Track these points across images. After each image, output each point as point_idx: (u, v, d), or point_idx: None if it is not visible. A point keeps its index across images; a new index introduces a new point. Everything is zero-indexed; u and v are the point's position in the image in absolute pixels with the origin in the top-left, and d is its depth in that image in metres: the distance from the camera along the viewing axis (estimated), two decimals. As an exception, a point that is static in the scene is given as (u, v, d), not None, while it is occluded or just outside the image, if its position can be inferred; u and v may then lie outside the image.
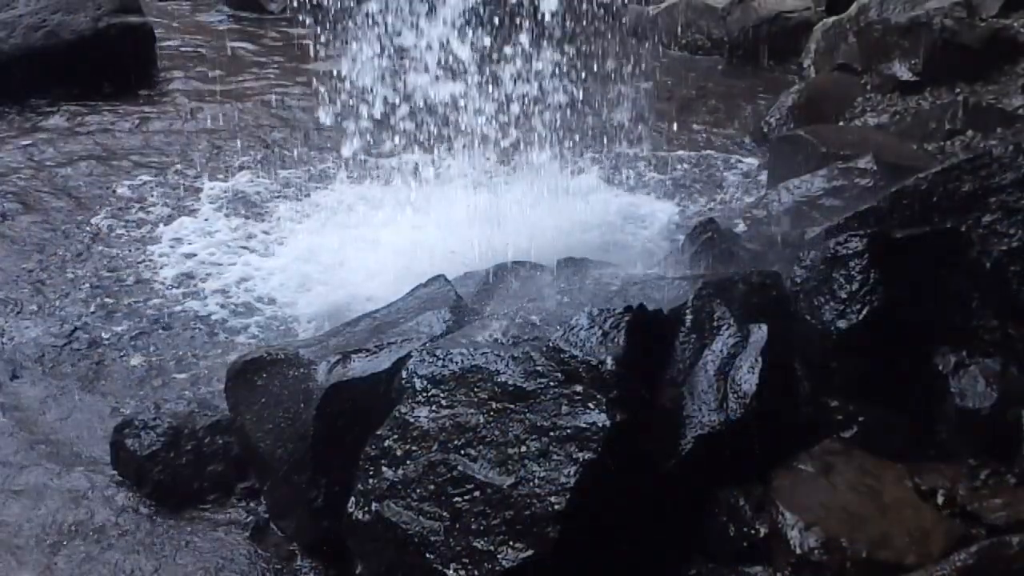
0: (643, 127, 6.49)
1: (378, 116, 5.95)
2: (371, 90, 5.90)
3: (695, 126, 6.83)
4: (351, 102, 5.94)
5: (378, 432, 3.25)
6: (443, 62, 5.67)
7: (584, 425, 3.02)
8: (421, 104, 5.79)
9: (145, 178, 6.10)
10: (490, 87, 5.58)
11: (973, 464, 3.22)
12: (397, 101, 5.96)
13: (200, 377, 4.41)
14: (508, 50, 5.61)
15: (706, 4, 8.15)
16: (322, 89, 6.91)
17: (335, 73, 5.88)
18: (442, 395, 3.23)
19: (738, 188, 5.92)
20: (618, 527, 3.05)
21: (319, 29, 6.52)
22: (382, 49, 5.88)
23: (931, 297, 3.47)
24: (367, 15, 5.87)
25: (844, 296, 3.44)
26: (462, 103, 5.58)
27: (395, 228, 5.16)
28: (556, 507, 2.93)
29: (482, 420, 3.14)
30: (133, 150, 6.48)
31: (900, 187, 3.79)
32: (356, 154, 5.88)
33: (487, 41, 5.65)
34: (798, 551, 2.93)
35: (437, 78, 5.67)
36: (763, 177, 5.80)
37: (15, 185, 6.03)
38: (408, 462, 3.16)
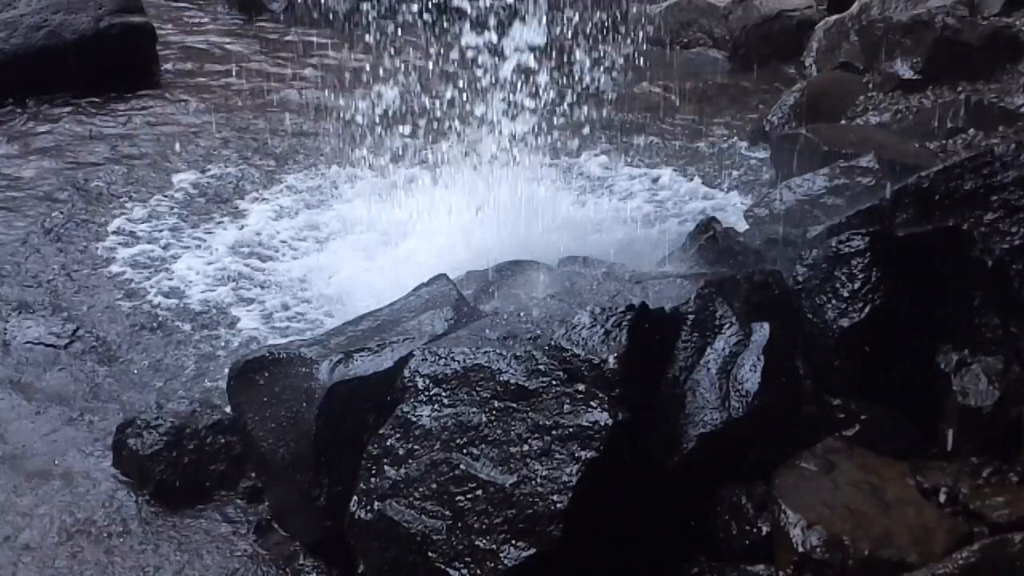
0: (646, 124, 6.51)
1: (381, 117, 5.97)
2: (372, 91, 5.91)
3: (697, 124, 6.82)
4: (350, 103, 5.95)
5: (380, 431, 3.26)
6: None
7: (586, 424, 3.02)
8: (436, 104, 5.82)
9: (141, 177, 6.12)
10: (484, 87, 5.61)
11: (975, 462, 3.22)
12: (410, 102, 5.99)
13: (191, 376, 4.42)
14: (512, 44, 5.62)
15: (708, 3, 8.14)
16: (320, 89, 6.94)
17: (335, 74, 5.88)
18: (444, 394, 3.24)
19: (745, 183, 5.95)
20: (620, 525, 3.05)
21: (319, 30, 6.53)
22: (388, 49, 5.90)
23: (933, 295, 3.47)
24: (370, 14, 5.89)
25: (846, 295, 3.44)
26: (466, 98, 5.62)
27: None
28: (558, 506, 2.93)
29: (484, 419, 3.14)
30: (130, 149, 6.47)
31: (902, 185, 3.79)
32: (352, 152, 5.92)
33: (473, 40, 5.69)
34: (800, 549, 2.93)
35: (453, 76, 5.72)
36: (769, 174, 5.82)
37: (7, 184, 6.05)
38: (410, 461, 3.16)
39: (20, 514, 3.69)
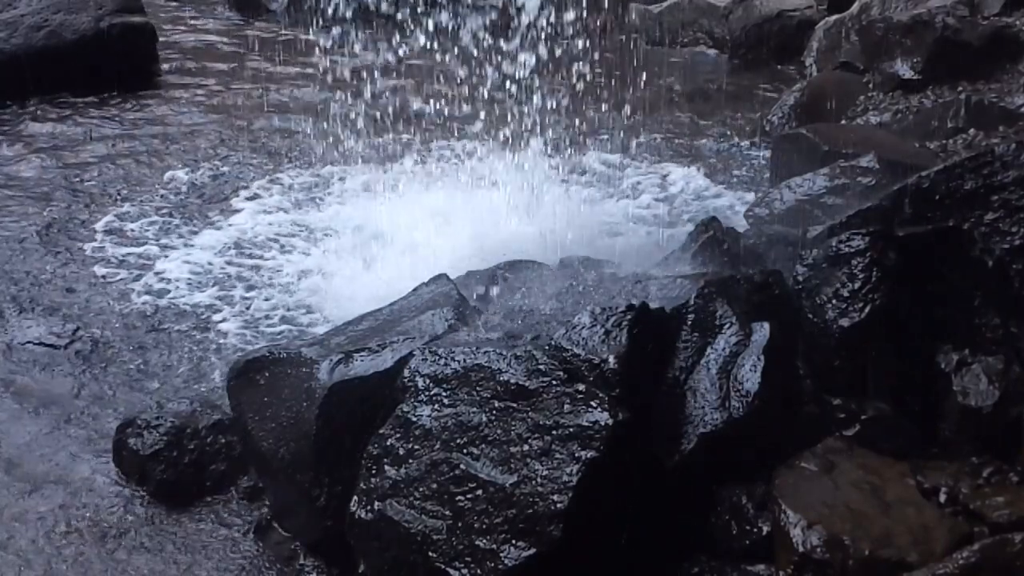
0: (648, 124, 6.53)
1: (383, 120, 6.00)
2: (369, 92, 5.92)
3: (698, 124, 6.83)
4: (348, 103, 5.96)
5: (381, 431, 3.26)
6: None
7: (586, 424, 3.02)
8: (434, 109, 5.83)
9: (139, 176, 6.13)
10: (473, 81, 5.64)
11: (976, 462, 3.22)
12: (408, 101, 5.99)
13: (190, 376, 4.41)
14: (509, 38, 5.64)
15: (708, 3, 8.15)
16: (318, 89, 6.94)
17: (333, 73, 5.89)
18: (444, 394, 3.23)
19: (750, 181, 5.97)
20: (620, 525, 3.05)
21: (319, 30, 6.53)
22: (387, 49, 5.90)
23: (933, 295, 3.47)
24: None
25: (846, 294, 3.44)
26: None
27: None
28: (559, 505, 2.93)
29: (484, 419, 3.14)
30: (129, 149, 6.49)
31: (902, 185, 3.79)
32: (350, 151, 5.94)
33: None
34: (800, 549, 2.93)
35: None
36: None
37: (6, 184, 6.05)
38: (411, 461, 3.16)
39: (21, 514, 3.69)
